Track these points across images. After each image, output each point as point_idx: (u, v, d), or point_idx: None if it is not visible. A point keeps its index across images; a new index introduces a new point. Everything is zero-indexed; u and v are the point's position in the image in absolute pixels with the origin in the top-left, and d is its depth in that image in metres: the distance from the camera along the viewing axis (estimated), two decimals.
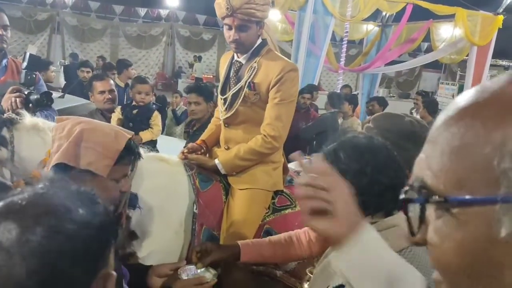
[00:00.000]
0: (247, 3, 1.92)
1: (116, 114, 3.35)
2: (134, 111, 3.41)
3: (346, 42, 7.76)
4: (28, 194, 0.71)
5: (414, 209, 0.52)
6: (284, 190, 2.20)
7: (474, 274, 0.47)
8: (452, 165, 0.47)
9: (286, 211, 2.15)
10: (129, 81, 4.78)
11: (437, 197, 0.48)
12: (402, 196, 0.53)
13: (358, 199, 1.13)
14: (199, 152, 2.21)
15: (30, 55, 2.47)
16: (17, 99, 2.11)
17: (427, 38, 8.67)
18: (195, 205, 2.00)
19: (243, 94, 2.08)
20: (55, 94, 2.63)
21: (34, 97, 2.20)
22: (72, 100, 4.28)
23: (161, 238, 1.91)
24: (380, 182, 1.09)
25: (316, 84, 6.82)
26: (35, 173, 1.65)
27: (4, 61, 2.58)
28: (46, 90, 2.51)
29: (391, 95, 15.81)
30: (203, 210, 2.02)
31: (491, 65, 8.60)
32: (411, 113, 6.81)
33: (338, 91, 7.09)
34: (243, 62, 2.11)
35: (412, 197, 0.52)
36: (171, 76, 17.37)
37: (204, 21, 17.69)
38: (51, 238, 0.66)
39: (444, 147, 0.48)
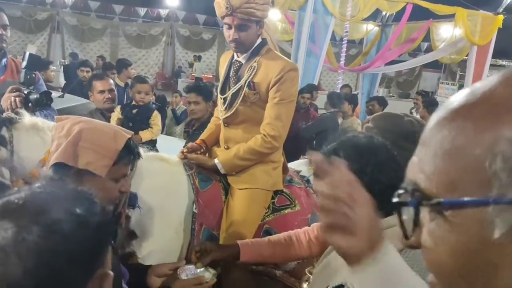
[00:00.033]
0: (247, 3, 1.92)
1: (116, 114, 3.35)
2: (134, 111, 3.41)
3: (346, 41, 7.75)
4: (25, 193, 0.71)
5: (408, 212, 0.52)
6: (284, 190, 2.20)
7: (469, 276, 0.47)
8: (445, 168, 0.47)
9: (286, 211, 2.15)
10: (129, 81, 4.78)
11: (430, 200, 0.48)
12: (395, 200, 0.53)
13: None
14: (199, 152, 2.21)
15: (30, 54, 2.47)
16: (17, 98, 2.11)
17: (427, 38, 8.67)
18: (194, 205, 2.00)
19: (242, 94, 2.08)
20: (54, 94, 2.63)
21: (33, 96, 2.20)
22: (72, 100, 4.28)
23: (160, 238, 1.91)
24: (380, 182, 1.09)
25: (316, 83, 6.82)
26: (34, 172, 1.65)
27: (4, 60, 2.58)
28: (46, 89, 2.51)
29: (391, 95, 15.81)
30: (203, 209, 2.02)
31: (491, 65, 8.60)
32: (411, 112, 6.81)
33: (338, 91, 7.09)
34: (243, 61, 2.11)
35: (406, 200, 0.52)
36: (171, 75, 17.37)
37: (204, 20, 17.69)
38: (47, 237, 0.65)
39: (436, 150, 0.48)
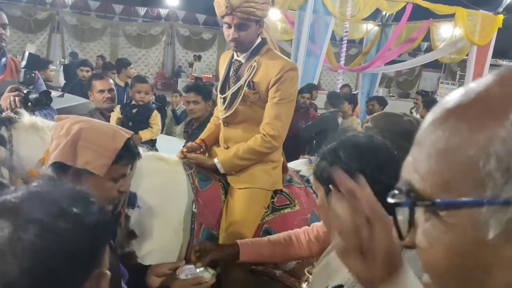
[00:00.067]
0: (247, 2, 1.92)
1: (116, 113, 3.35)
2: (134, 110, 3.41)
3: (346, 41, 7.76)
4: (22, 192, 0.71)
5: (403, 213, 0.52)
6: (284, 190, 2.19)
7: (463, 277, 0.47)
8: (439, 168, 0.47)
9: (286, 211, 2.15)
10: (129, 80, 4.78)
11: (424, 200, 0.48)
12: (390, 200, 0.52)
13: None
14: (198, 151, 2.21)
15: (29, 54, 2.46)
16: (16, 98, 2.11)
17: (427, 37, 8.68)
18: (194, 204, 2.00)
19: (242, 93, 2.07)
20: (54, 93, 2.62)
21: (33, 96, 2.19)
22: (72, 99, 4.27)
23: (160, 238, 1.90)
24: (380, 182, 1.09)
25: (316, 83, 6.82)
26: (33, 172, 1.65)
27: (3, 59, 2.57)
28: (45, 89, 2.50)
29: (391, 94, 15.81)
30: (202, 209, 2.02)
31: (491, 65, 8.59)
32: (411, 112, 6.81)
33: (338, 91, 7.10)
34: (243, 61, 2.11)
35: (400, 201, 0.51)
36: (170, 75, 17.37)
37: (204, 20, 17.69)
38: (44, 236, 0.65)
39: (431, 150, 0.48)
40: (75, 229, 0.69)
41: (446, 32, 8.32)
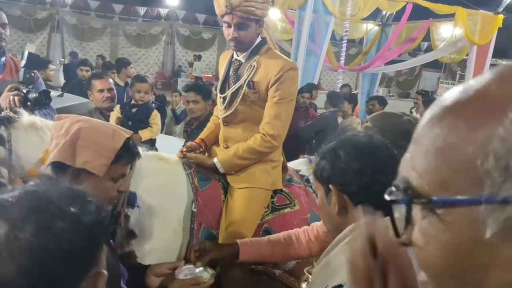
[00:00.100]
0: (246, 1, 1.91)
1: (115, 113, 3.35)
2: (133, 110, 3.41)
3: (346, 41, 7.76)
4: (19, 191, 0.71)
5: (400, 210, 0.51)
6: (283, 189, 2.19)
7: (459, 276, 0.46)
8: (437, 166, 0.46)
9: (285, 210, 2.14)
10: (129, 80, 4.78)
11: (422, 198, 0.48)
12: (387, 197, 0.52)
13: (357, 198, 1.13)
14: (198, 151, 2.20)
15: (29, 53, 2.46)
16: (16, 97, 2.10)
17: (427, 37, 8.68)
18: (193, 204, 2.00)
19: (242, 93, 2.07)
20: (54, 93, 2.62)
21: (32, 95, 2.19)
22: (71, 99, 4.27)
23: (159, 237, 1.90)
24: (380, 181, 1.09)
25: (316, 83, 6.81)
26: (32, 171, 1.65)
27: (3, 59, 2.57)
28: (45, 88, 2.50)
29: (391, 94, 15.82)
30: (202, 209, 2.01)
31: (491, 65, 8.59)
32: (411, 112, 6.81)
33: (338, 90, 7.09)
34: (243, 60, 2.10)
35: (397, 198, 0.51)
36: (170, 75, 17.37)
37: (204, 20, 17.69)
38: (40, 235, 0.65)
39: (429, 148, 0.48)
40: (72, 228, 0.69)
41: (446, 32, 8.31)
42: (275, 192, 2.16)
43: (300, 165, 2.50)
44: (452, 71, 17.25)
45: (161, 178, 1.99)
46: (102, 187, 1.36)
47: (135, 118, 3.39)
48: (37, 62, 2.59)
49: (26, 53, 2.44)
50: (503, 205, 0.42)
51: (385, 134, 1.40)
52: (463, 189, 0.44)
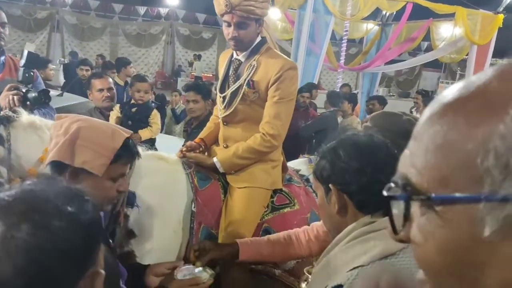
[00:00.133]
0: (246, 0, 1.91)
1: (115, 112, 3.35)
2: (133, 109, 3.41)
3: (346, 41, 7.75)
4: (16, 191, 0.70)
5: (398, 206, 0.51)
6: (283, 189, 2.19)
7: (457, 273, 0.46)
8: (436, 163, 0.46)
9: (285, 210, 2.14)
10: (128, 80, 4.78)
11: (420, 195, 0.47)
12: (385, 193, 0.52)
13: (357, 197, 1.13)
14: (198, 151, 2.20)
15: (29, 52, 2.45)
16: (15, 97, 2.10)
17: (427, 37, 8.67)
18: (193, 204, 1.99)
19: (242, 92, 2.07)
20: (54, 92, 2.62)
21: (32, 95, 2.19)
22: (71, 98, 4.26)
23: (159, 237, 1.90)
24: (380, 181, 1.08)
25: (316, 83, 6.81)
26: (32, 170, 1.64)
27: (2, 58, 2.57)
28: (44, 88, 2.49)
29: (391, 94, 15.82)
30: (202, 208, 2.01)
31: (491, 65, 8.58)
32: (411, 112, 6.80)
33: (338, 90, 7.09)
34: (242, 60, 2.10)
35: (396, 194, 0.51)
36: (170, 74, 17.37)
37: (204, 19, 17.69)
38: (37, 234, 0.65)
39: (428, 144, 0.47)
40: (70, 227, 0.68)
41: (446, 31, 8.31)
42: (275, 191, 2.16)
43: (300, 164, 2.49)
44: (452, 71, 17.25)
45: (160, 177, 1.99)
46: (101, 186, 1.36)
47: (135, 118, 3.39)
48: (36, 62, 2.59)
49: (25, 52, 2.43)
50: (503, 203, 0.41)
51: (385, 133, 1.40)
52: (462, 187, 0.44)
